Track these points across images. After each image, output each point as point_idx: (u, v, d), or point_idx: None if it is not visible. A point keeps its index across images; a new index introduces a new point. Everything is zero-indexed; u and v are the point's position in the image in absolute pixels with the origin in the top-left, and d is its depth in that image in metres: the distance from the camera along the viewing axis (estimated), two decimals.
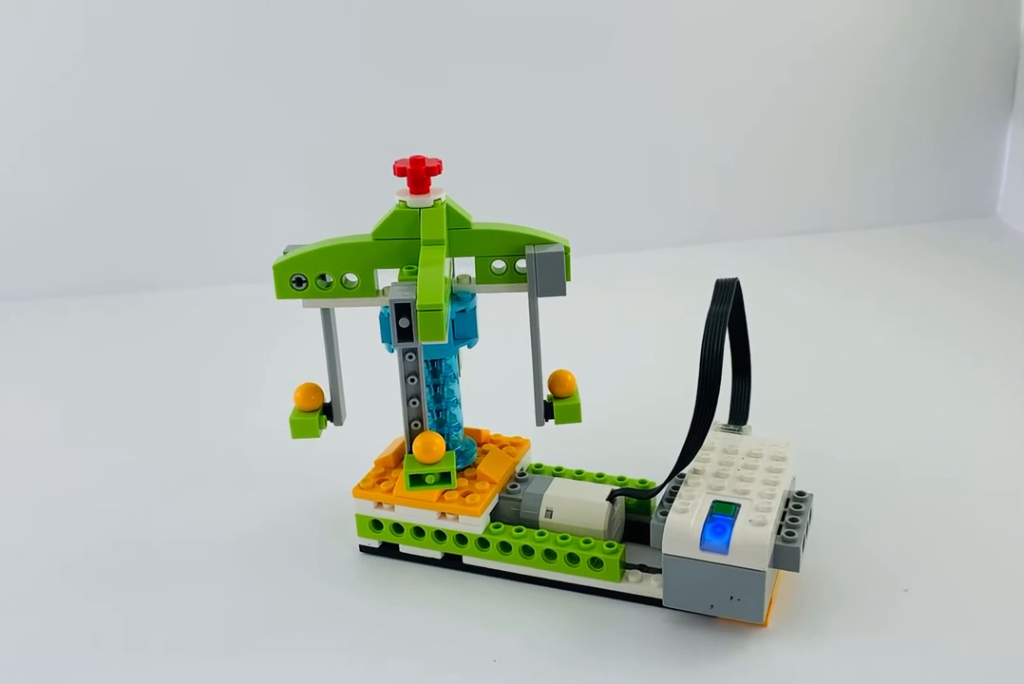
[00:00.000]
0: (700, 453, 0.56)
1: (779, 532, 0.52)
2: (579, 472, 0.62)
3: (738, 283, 0.56)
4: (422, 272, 0.51)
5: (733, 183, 1.08)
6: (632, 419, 0.73)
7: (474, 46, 0.99)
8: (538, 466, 0.63)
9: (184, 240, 1.01)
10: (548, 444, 0.64)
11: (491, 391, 0.71)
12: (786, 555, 0.51)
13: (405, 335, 0.50)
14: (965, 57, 1.07)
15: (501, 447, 0.62)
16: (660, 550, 0.52)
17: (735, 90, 1.05)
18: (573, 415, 0.58)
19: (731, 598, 0.51)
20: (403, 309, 0.49)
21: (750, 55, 1.03)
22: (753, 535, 0.50)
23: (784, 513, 0.54)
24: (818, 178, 1.09)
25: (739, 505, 0.52)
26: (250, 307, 0.95)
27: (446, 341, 0.50)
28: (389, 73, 0.99)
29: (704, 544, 0.51)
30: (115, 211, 1.00)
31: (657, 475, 0.56)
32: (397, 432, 0.62)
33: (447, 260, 0.54)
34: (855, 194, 1.10)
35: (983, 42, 1.06)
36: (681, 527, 0.51)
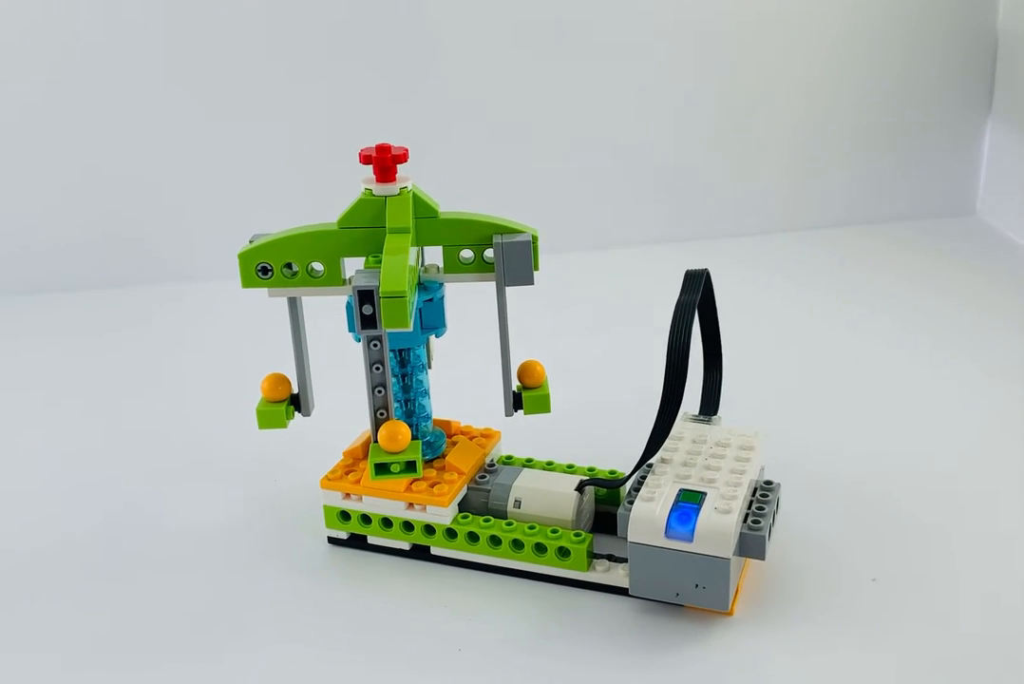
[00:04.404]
0: (668, 442, 0.56)
1: (745, 520, 0.52)
2: (549, 463, 0.61)
3: (708, 274, 0.56)
4: (386, 259, 0.50)
5: (698, 182, 1.08)
6: (604, 411, 0.73)
7: (445, 41, 0.99)
8: (508, 458, 0.62)
9: (157, 237, 1.01)
10: (519, 436, 0.64)
11: (462, 383, 0.71)
12: (752, 543, 0.51)
13: (369, 322, 0.50)
14: (943, 54, 1.07)
15: (471, 438, 0.61)
16: (627, 539, 0.52)
17: (704, 88, 1.05)
18: (542, 405, 0.58)
19: (696, 586, 0.51)
20: (366, 296, 0.49)
21: (720, 51, 1.03)
22: (718, 523, 0.50)
23: (751, 502, 0.54)
24: (796, 176, 1.09)
25: (705, 493, 0.52)
26: (217, 303, 0.95)
27: (410, 328, 0.50)
28: (358, 62, 0.98)
29: (669, 532, 0.51)
30: (91, 208, 0.99)
31: (628, 467, 0.56)
32: (366, 424, 0.62)
33: (414, 249, 0.54)
34: (834, 192, 1.10)
35: (961, 38, 1.07)
36: (647, 515, 0.51)
